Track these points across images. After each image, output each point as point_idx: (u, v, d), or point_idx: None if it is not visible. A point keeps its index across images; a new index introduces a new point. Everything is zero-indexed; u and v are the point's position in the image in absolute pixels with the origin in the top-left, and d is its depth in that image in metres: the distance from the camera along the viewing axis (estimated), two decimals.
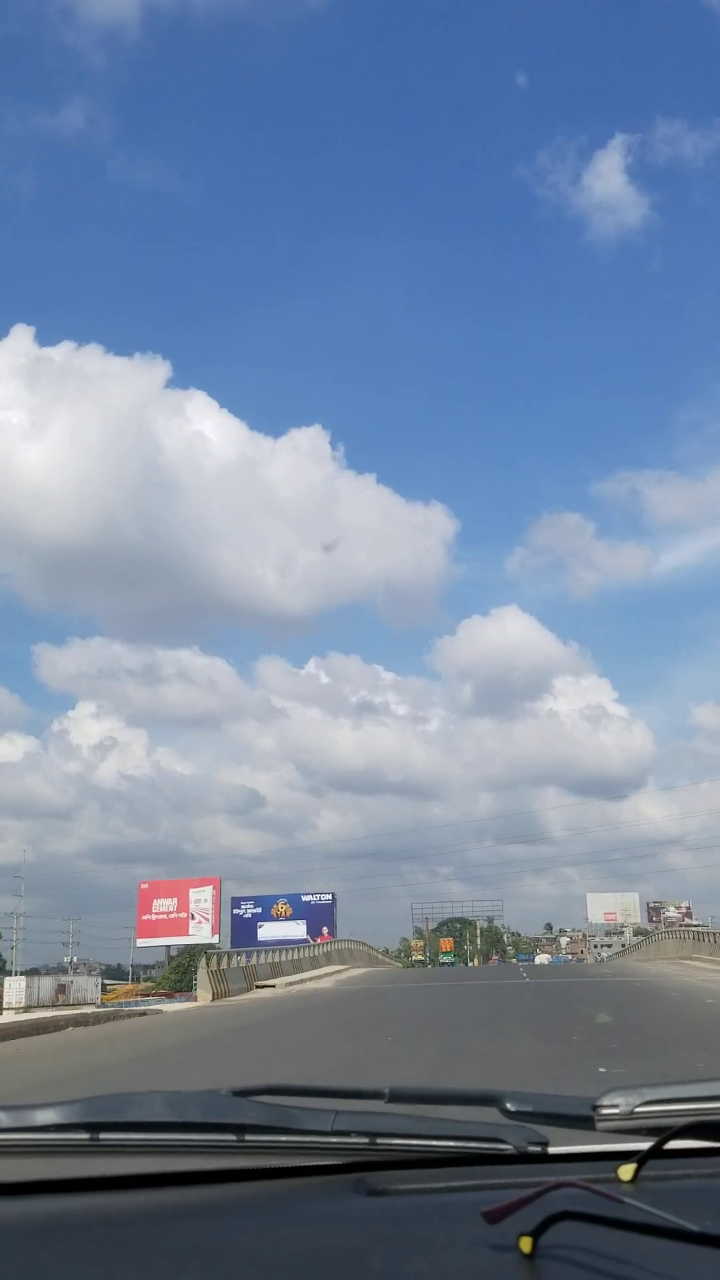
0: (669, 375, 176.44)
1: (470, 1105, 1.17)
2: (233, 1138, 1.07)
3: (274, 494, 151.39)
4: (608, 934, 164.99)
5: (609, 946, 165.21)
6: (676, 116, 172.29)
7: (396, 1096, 1.15)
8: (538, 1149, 1.08)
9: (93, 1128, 1.09)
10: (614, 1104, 1.11)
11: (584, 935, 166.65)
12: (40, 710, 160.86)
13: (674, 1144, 0.98)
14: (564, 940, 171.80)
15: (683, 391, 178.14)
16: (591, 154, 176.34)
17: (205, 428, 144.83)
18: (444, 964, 59.62)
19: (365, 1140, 1.07)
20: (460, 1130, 1.09)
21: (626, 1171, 0.94)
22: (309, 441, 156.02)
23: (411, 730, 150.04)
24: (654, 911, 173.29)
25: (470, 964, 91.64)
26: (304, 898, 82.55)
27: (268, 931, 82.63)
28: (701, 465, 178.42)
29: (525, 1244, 0.78)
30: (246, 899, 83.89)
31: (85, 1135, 1.08)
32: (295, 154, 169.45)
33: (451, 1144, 1.08)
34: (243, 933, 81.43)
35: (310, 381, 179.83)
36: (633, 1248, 0.76)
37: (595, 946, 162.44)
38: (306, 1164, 1.09)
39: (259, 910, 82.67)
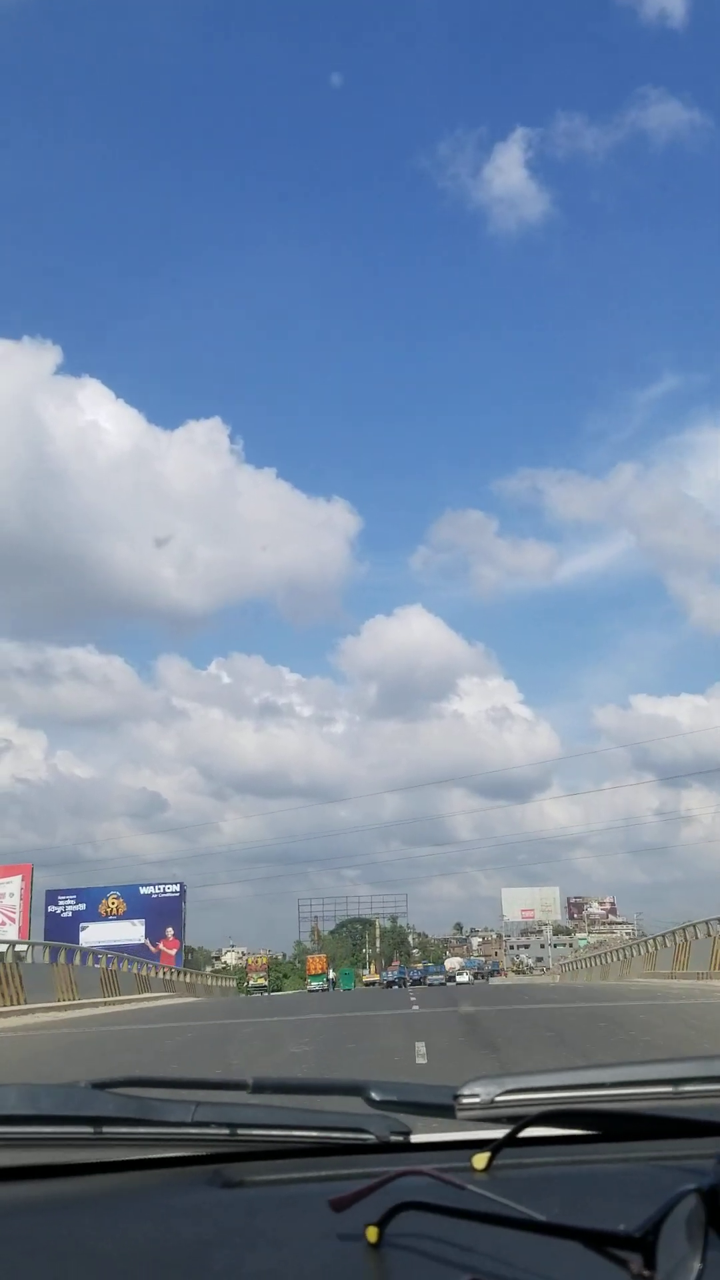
0: (569, 371, 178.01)
1: (335, 1095, 1.15)
2: (89, 1130, 1.03)
3: (170, 487, 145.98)
4: (524, 933, 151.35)
5: (526, 948, 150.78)
6: (577, 110, 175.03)
7: (260, 1087, 1.13)
8: (400, 1138, 1.08)
9: None
10: (474, 1093, 1.10)
11: (498, 936, 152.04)
12: None
13: (534, 1132, 0.99)
14: (476, 942, 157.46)
15: (584, 389, 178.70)
16: (492, 146, 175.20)
17: (99, 417, 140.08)
18: (313, 990, 44.03)
19: (226, 1131, 1.05)
20: (322, 1120, 1.08)
21: (480, 1160, 0.96)
22: (206, 434, 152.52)
23: (316, 732, 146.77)
24: (575, 907, 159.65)
25: (358, 980, 73.99)
26: (143, 890, 62.80)
27: (94, 934, 62.26)
28: (602, 464, 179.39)
29: (371, 1234, 0.78)
30: (66, 892, 63.68)
31: None
32: (193, 136, 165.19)
33: (313, 1134, 1.07)
34: (60, 935, 61.40)
35: (209, 373, 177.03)
36: (478, 1237, 0.77)
37: (511, 948, 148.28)
38: (165, 1155, 1.07)
39: (81, 907, 62.48)
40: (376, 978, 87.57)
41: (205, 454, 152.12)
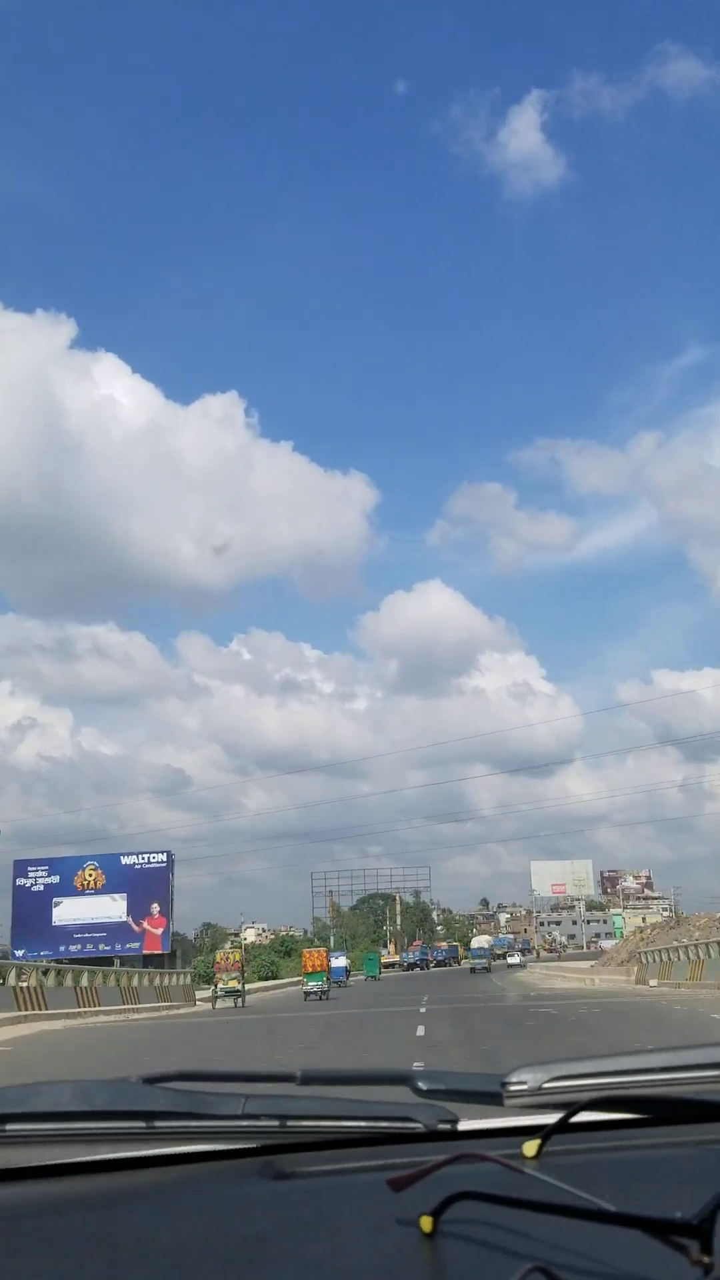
0: (588, 341, 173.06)
1: (382, 1085, 1.18)
2: (142, 1125, 1.06)
3: (187, 463, 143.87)
4: (555, 909, 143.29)
5: (558, 924, 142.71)
6: (593, 69, 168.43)
7: (309, 1079, 1.14)
8: (447, 1126, 1.08)
9: None
10: (522, 1081, 1.11)
11: (528, 912, 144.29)
12: None
13: (582, 1118, 1.00)
14: (503, 918, 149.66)
15: (604, 359, 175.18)
16: (506, 110, 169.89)
17: (115, 391, 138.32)
18: (309, 993, 36.40)
19: (275, 1123, 1.08)
20: (370, 1110, 1.10)
21: (531, 1147, 0.95)
22: (223, 408, 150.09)
23: (338, 708, 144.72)
24: (609, 882, 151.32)
25: (379, 965, 65.82)
26: (124, 859, 54.71)
27: (68, 910, 54.38)
28: (623, 435, 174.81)
29: (426, 1223, 0.79)
30: (36, 863, 55.68)
31: None
32: (204, 109, 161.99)
33: (362, 1124, 1.09)
34: (30, 913, 53.66)
35: (225, 346, 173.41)
36: (533, 1223, 0.77)
37: (541, 924, 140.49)
38: (216, 1149, 1.10)
39: (55, 879, 54.45)
40: (396, 959, 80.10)
41: (222, 428, 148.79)
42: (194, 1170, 1.08)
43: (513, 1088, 1.10)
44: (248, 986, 43.36)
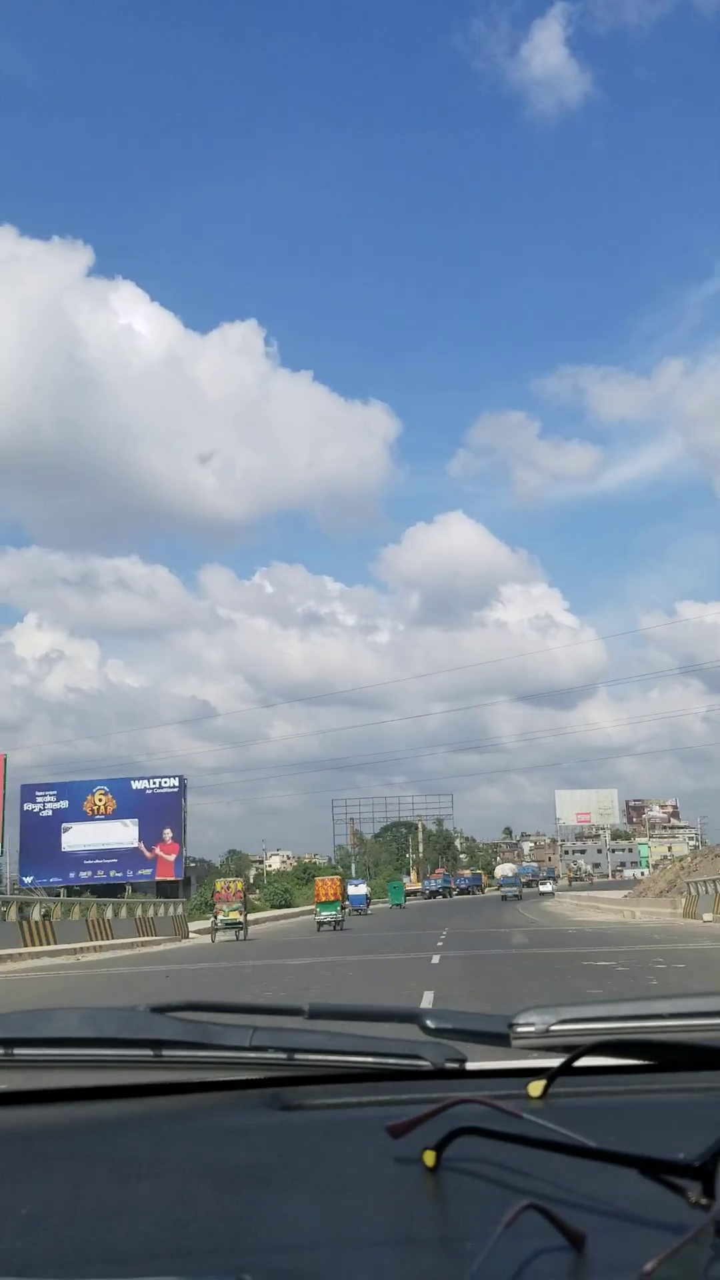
0: (612, 263, 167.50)
1: (390, 1022, 1.18)
2: (149, 1053, 1.07)
3: (208, 393, 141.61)
4: (579, 838, 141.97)
5: (582, 853, 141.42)
6: None
7: (316, 1013, 1.14)
8: (455, 1065, 1.09)
9: (6, 1043, 1.08)
10: (530, 1022, 1.12)
11: (552, 840, 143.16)
12: None
13: (589, 1061, 1.00)
14: (527, 847, 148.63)
15: (629, 282, 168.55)
16: (529, 24, 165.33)
17: (133, 320, 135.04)
18: (323, 923, 34.29)
19: (283, 1056, 1.08)
20: (378, 1047, 1.10)
21: (535, 1088, 0.97)
22: (242, 337, 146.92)
23: (361, 640, 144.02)
24: (634, 811, 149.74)
25: (404, 893, 64.04)
26: (135, 784, 52.63)
27: (77, 837, 52.59)
28: (648, 361, 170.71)
29: (429, 1157, 0.80)
30: (45, 787, 53.67)
31: (0, 1050, 1.08)
32: (223, 28, 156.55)
33: (369, 1060, 1.09)
34: (40, 838, 51.88)
35: (244, 273, 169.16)
36: (535, 1162, 0.78)
37: (566, 853, 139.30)
38: (223, 1079, 1.10)
39: (64, 805, 52.53)
40: (418, 886, 78.60)
41: (241, 357, 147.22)
42: (201, 1099, 1.08)
43: (520, 1029, 1.10)
44: (259, 915, 41.32)
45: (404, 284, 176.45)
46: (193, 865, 57.91)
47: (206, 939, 28.56)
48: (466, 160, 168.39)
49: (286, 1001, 1.16)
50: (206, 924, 30.10)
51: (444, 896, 75.92)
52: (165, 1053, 1.05)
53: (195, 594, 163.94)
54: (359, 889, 50.04)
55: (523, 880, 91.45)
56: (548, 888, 66.84)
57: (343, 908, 35.62)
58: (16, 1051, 1.07)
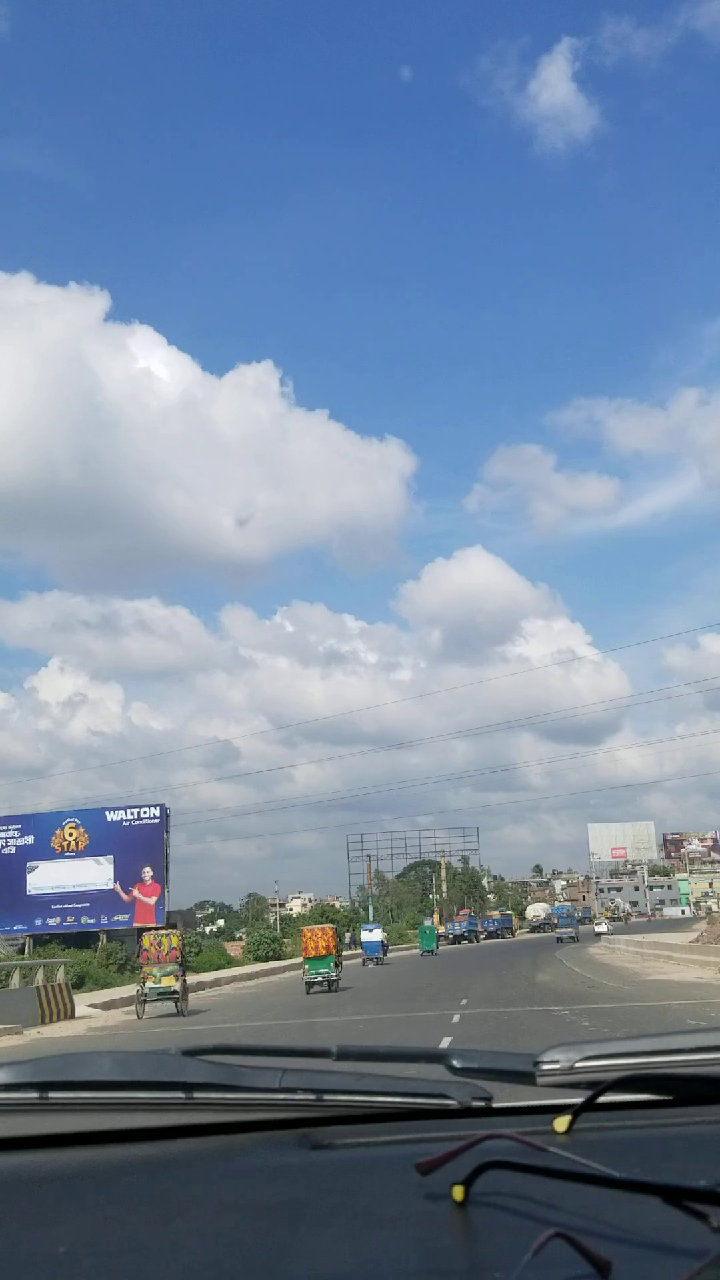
0: (624, 296, 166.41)
1: (417, 1063, 1.21)
2: (181, 1095, 1.09)
3: (225, 434, 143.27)
4: (614, 874, 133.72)
5: (618, 890, 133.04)
6: (625, 13, 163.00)
7: (344, 1055, 1.18)
8: (481, 1104, 1.11)
9: (42, 1087, 1.10)
10: (555, 1060, 1.14)
11: (586, 878, 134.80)
12: (3, 666, 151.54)
13: (613, 1097, 1.03)
14: (559, 885, 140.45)
15: (642, 315, 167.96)
16: (537, 59, 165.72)
17: (151, 364, 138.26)
18: (315, 982, 27.08)
19: (312, 1097, 1.10)
20: (405, 1086, 1.12)
21: (561, 1124, 0.98)
22: (258, 378, 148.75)
23: (383, 679, 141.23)
24: (672, 845, 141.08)
25: (436, 939, 56.64)
26: (109, 815, 45.96)
27: (44, 877, 45.77)
28: (662, 392, 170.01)
29: (457, 1192, 0.82)
30: (8, 821, 47.05)
31: (34, 1094, 1.10)
32: (233, 73, 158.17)
33: (397, 1099, 1.11)
34: (2, 879, 45.24)
35: (259, 314, 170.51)
36: (561, 1194, 0.80)
37: (601, 891, 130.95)
38: (254, 1119, 1.13)
39: (29, 840, 45.84)
40: (441, 930, 70.95)
41: (257, 397, 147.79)
42: (232, 1140, 1.10)
43: (545, 1067, 1.12)
44: (234, 972, 34.35)
45: (417, 320, 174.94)
46: (183, 911, 50.71)
47: (129, 1013, 21.51)
48: (478, 196, 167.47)
49: (315, 1044, 1.19)
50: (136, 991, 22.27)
51: (470, 941, 68.17)
52: (196, 1095, 1.08)
53: (216, 635, 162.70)
54: (373, 935, 43.30)
55: (554, 920, 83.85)
56: (603, 927, 60.37)
57: (337, 964, 28.83)
58: (51, 1095, 1.08)
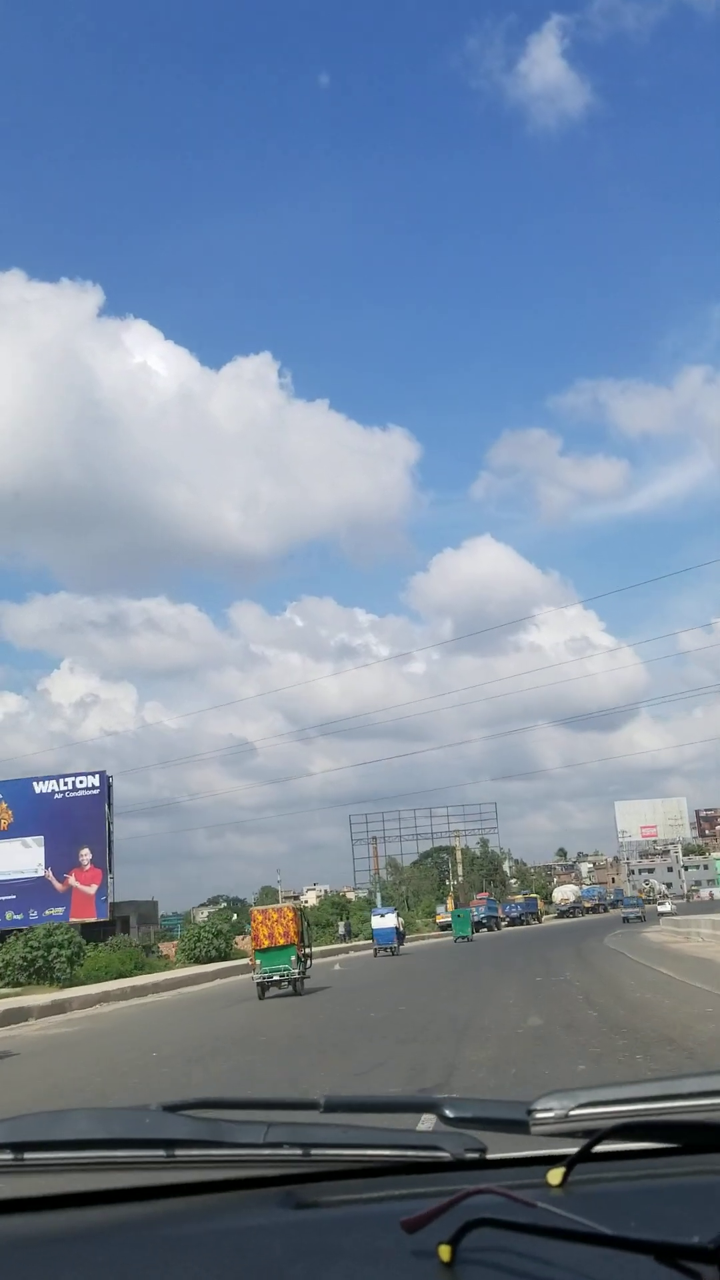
0: (622, 273, 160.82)
1: (408, 1113, 1.20)
2: (162, 1153, 1.06)
3: (225, 427, 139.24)
4: (644, 855, 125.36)
5: (650, 871, 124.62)
6: None
7: (332, 1106, 1.15)
8: (475, 1155, 1.08)
9: (17, 1147, 1.08)
10: (549, 1108, 1.11)
11: (615, 859, 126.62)
12: (13, 669, 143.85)
13: (609, 1146, 1.00)
14: (585, 868, 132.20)
15: (640, 291, 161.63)
16: (525, 38, 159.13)
17: (148, 359, 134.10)
18: (269, 980, 20.11)
19: (298, 1152, 1.07)
20: (397, 1139, 1.09)
21: (555, 1176, 0.96)
22: (256, 370, 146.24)
23: (396, 671, 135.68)
24: (705, 823, 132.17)
25: (469, 921, 48.37)
26: (38, 787, 37.73)
27: None
28: (666, 371, 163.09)
29: (444, 1252, 0.80)
30: None
31: (10, 1155, 1.08)
32: (225, 61, 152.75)
33: (387, 1153, 1.08)
34: None
35: (255, 305, 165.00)
36: (551, 1252, 0.78)
37: (632, 872, 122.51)
38: (238, 1176, 1.09)
39: None
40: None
41: (255, 389, 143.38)
42: (213, 1200, 1.07)
43: (539, 1115, 1.10)
44: (173, 976, 26.10)
45: (415, 307, 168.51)
46: (139, 904, 42.34)
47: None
48: (473, 179, 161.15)
49: (301, 1096, 1.16)
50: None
51: (490, 929, 59.57)
52: (178, 1152, 1.05)
53: (227, 632, 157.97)
54: (385, 921, 35.71)
55: (587, 904, 75.49)
56: (666, 907, 54.99)
57: (301, 957, 20.65)
58: (28, 1155, 1.06)
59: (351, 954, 37.94)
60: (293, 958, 20.42)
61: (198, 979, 27.39)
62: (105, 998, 22.25)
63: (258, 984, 20.40)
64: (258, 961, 20.63)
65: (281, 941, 20.68)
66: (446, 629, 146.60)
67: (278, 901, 79.84)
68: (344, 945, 43.65)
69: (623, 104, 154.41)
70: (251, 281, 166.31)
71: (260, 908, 22.46)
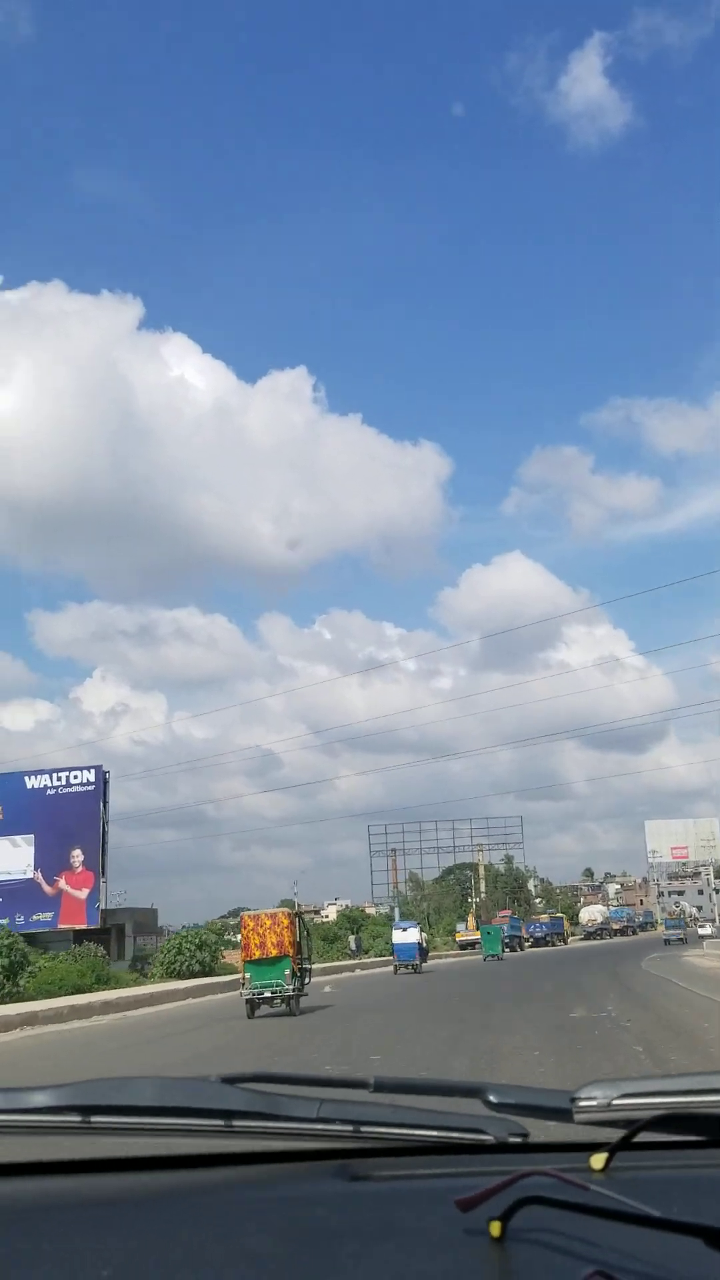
0: (661, 293, 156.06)
1: (454, 1096, 1.21)
2: (220, 1123, 1.11)
3: (259, 441, 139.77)
4: (673, 877, 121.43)
5: (680, 894, 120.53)
6: (657, 4, 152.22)
7: (381, 1086, 1.19)
8: (518, 1139, 1.11)
9: (85, 1110, 1.12)
10: (592, 1097, 1.14)
11: (644, 880, 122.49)
12: (45, 677, 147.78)
13: (649, 1136, 1.02)
14: (612, 889, 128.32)
15: (679, 312, 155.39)
16: (568, 55, 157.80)
17: (185, 371, 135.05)
18: (259, 999, 17.18)
19: (349, 1128, 1.11)
20: (442, 1120, 1.13)
21: (598, 1160, 0.98)
22: (291, 383, 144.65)
23: (423, 687, 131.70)
24: None
25: (500, 942, 45.42)
26: (29, 781, 35.37)
27: None
28: (701, 390, 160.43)
29: (495, 1228, 0.82)
30: None
31: (77, 1117, 1.12)
32: (265, 78, 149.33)
33: (434, 1133, 1.12)
34: None
35: (292, 318, 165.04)
36: (599, 1233, 0.80)
37: (661, 895, 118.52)
38: (291, 1148, 1.14)
39: None
40: (476, 935, 59.44)
41: (291, 403, 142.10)
42: (271, 1169, 1.13)
43: (583, 1103, 1.12)
44: (151, 990, 23.15)
45: (449, 322, 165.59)
46: (135, 910, 39.61)
47: None
48: (511, 195, 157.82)
49: (352, 1075, 1.20)
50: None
51: (512, 949, 56.45)
52: (236, 1123, 1.09)
53: (255, 643, 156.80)
54: (408, 935, 33.05)
55: (615, 926, 72.32)
56: (707, 930, 53.26)
57: (297, 970, 18.09)
58: (94, 1119, 1.10)
59: (359, 972, 35.22)
60: (287, 971, 17.82)
61: (162, 998, 22.74)
62: (33, 1019, 17.93)
63: (246, 1000, 17.78)
64: (247, 975, 18.05)
65: (274, 952, 18.09)
66: (476, 645, 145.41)
67: (298, 913, 76.86)
68: (351, 962, 40.66)
69: (664, 122, 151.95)
70: (289, 296, 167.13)
71: (251, 912, 19.16)
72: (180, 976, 29.24)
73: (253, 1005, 17.68)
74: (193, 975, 29.35)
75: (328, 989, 24.25)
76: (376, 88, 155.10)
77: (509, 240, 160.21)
